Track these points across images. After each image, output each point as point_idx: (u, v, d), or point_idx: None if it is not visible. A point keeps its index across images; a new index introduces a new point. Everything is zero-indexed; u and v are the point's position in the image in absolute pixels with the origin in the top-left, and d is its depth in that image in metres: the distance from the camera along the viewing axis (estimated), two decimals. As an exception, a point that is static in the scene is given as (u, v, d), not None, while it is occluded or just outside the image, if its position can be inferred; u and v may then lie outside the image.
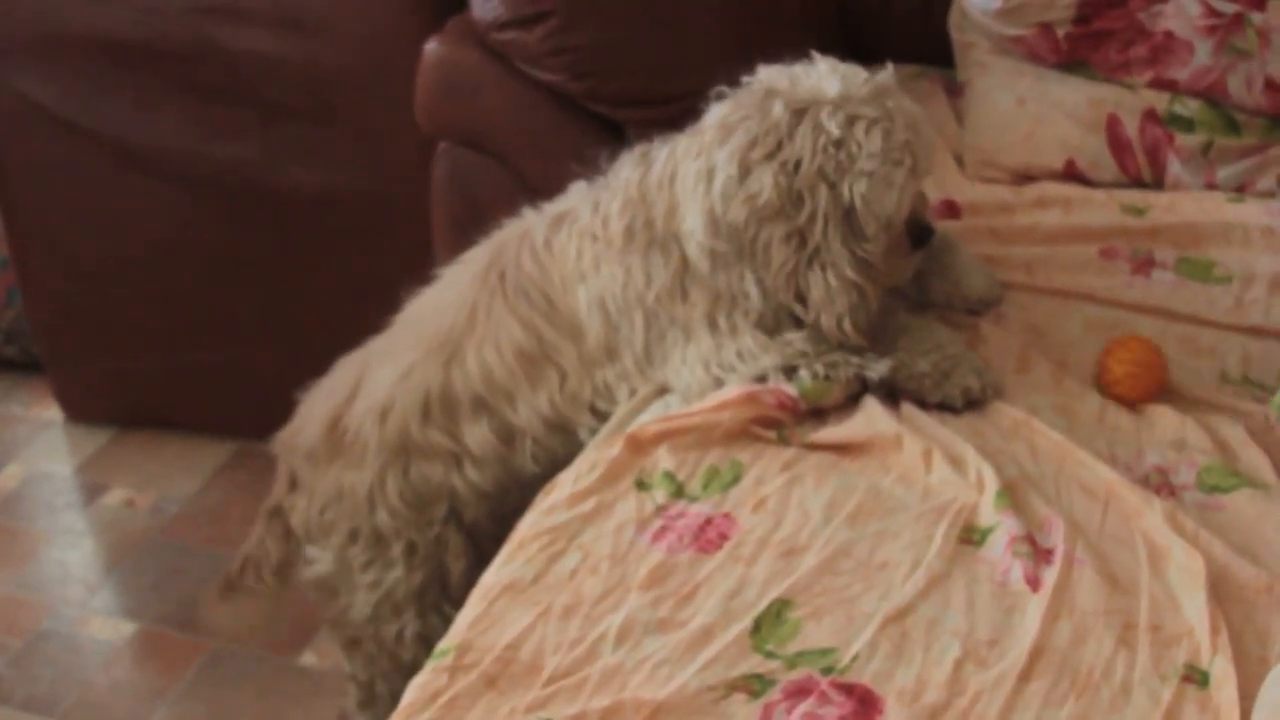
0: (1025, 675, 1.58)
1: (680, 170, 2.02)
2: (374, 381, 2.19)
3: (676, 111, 2.40)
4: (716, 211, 1.96)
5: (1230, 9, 2.45)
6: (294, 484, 2.29)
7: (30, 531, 3.09)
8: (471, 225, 2.58)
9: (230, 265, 3.03)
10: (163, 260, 3.06)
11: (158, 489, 3.16)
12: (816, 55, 2.02)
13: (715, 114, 2.02)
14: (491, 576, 1.78)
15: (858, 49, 2.83)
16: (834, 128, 1.92)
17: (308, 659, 2.74)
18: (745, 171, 1.94)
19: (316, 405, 2.26)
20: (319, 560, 2.30)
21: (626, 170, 2.09)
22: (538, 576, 1.76)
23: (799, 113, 1.94)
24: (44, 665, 2.77)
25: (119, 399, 3.30)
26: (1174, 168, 2.51)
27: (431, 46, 2.52)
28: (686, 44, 2.47)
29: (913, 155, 1.96)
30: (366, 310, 2.96)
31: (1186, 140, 2.50)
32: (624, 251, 2.04)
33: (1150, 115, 2.50)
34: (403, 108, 2.58)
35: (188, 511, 3.09)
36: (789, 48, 2.62)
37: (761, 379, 1.98)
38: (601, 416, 2.08)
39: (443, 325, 2.15)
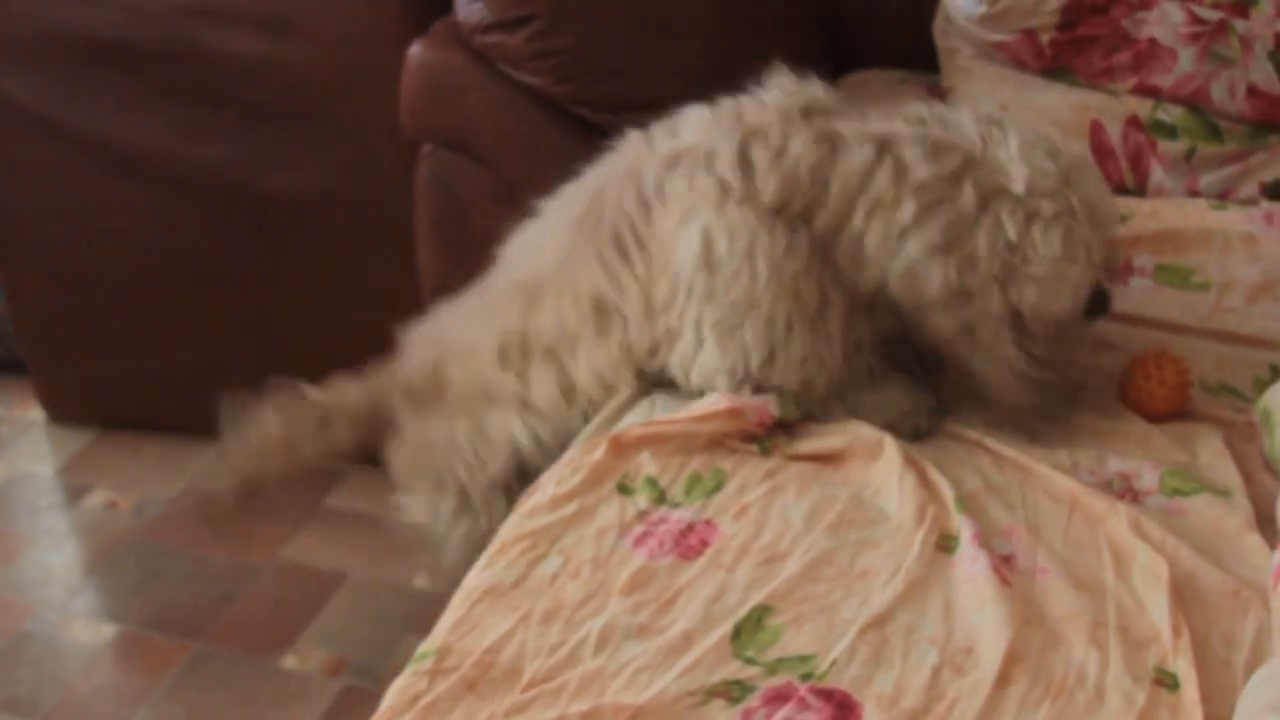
0: (1001, 681, 1.59)
1: (863, 211, 1.92)
2: (464, 326, 2.17)
3: (659, 116, 2.41)
4: (892, 284, 1.92)
5: (1214, 16, 2.46)
6: (388, 423, 2.26)
7: (11, 533, 3.08)
8: (454, 227, 2.59)
9: (213, 267, 3.03)
10: (145, 262, 3.06)
11: (140, 491, 3.15)
12: (1005, 121, 1.96)
13: (915, 155, 1.91)
14: (473, 580, 1.78)
15: (842, 54, 2.85)
16: (1012, 230, 1.88)
17: (289, 662, 2.74)
18: (924, 255, 1.89)
19: (416, 347, 2.23)
20: (412, 507, 2.27)
21: (799, 143, 1.95)
22: (519, 580, 1.76)
23: (984, 204, 1.89)
24: (24, 667, 2.76)
25: (102, 400, 3.29)
26: (1157, 174, 2.52)
27: (416, 50, 2.52)
28: (669, 48, 2.47)
29: (1088, 249, 1.91)
30: (349, 312, 2.97)
31: (1169, 147, 2.51)
32: (770, 215, 1.93)
33: (1133, 122, 2.51)
34: (386, 110, 2.58)
35: (170, 513, 3.09)
36: (773, 52, 2.63)
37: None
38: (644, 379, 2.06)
39: (532, 272, 2.11)
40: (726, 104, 2.05)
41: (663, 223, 1.99)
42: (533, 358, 2.10)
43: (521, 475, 2.14)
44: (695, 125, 2.04)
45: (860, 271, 1.94)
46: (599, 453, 1.92)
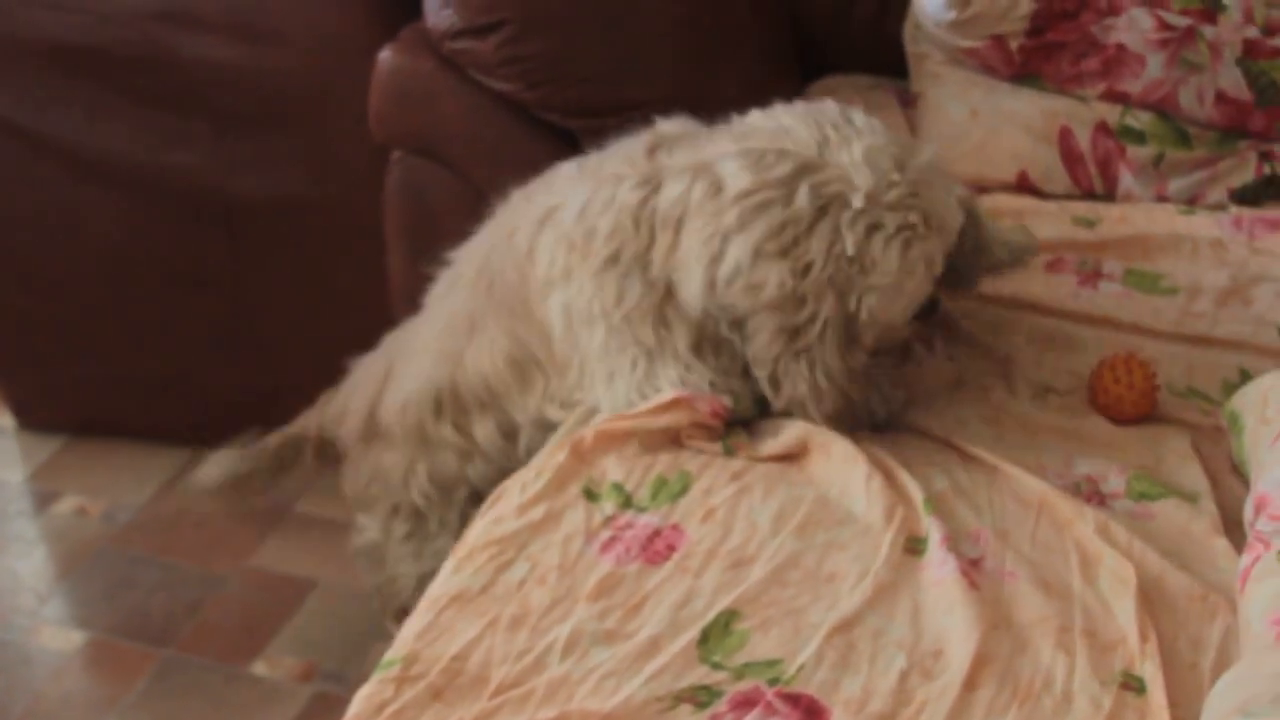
0: (969, 685, 1.59)
1: (688, 227, 1.92)
2: (399, 375, 2.22)
3: (629, 120, 2.41)
4: (718, 289, 1.90)
5: (1182, 22, 2.47)
6: (343, 454, 2.34)
7: (-20, 540, 3.07)
8: (425, 233, 2.58)
9: (182, 273, 3.02)
10: (115, 268, 3.05)
11: (109, 497, 3.14)
12: (856, 121, 1.93)
13: (734, 168, 1.89)
14: (439, 587, 1.77)
15: (812, 60, 2.86)
16: (850, 242, 1.84)
17: (259, 668, 2.73)
18: (755, 259, 1.87)
19: (358, 390, 2.29)
20: (368, 529, 2.34)
21: (625, 189, 1.97)
22: (485, 587, 1.75)
23: (822, 209, 1.85)
24: (-7, 675, 2.75)
25: (71, 406, 3.28)
26: (1126, 180, 2.52)
27: (385, 55, 2.51)
28: (639, 54, 2.47)
29: (928, 262, 1.90)
30: (319, 318, 2.96)
31: (1138, 152, 2.52)
32: (601, 271, 1.97)
33: (1102, 127, 2.52)
34: (356, 116, 2.57)
35: (139, 520, 3.08)
36: (742, 58, 2.63)
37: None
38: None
39: (448, 330, 2.16)
40: (594, 156, 2.10)
41: (534, 287, 2.05)
42: (470, 410, 2.15)
43: (478, 501, 2.17)
44: (563, 181, 2.10)
45: (688, 290, 1.93)
46: (561, 456, 1.91)
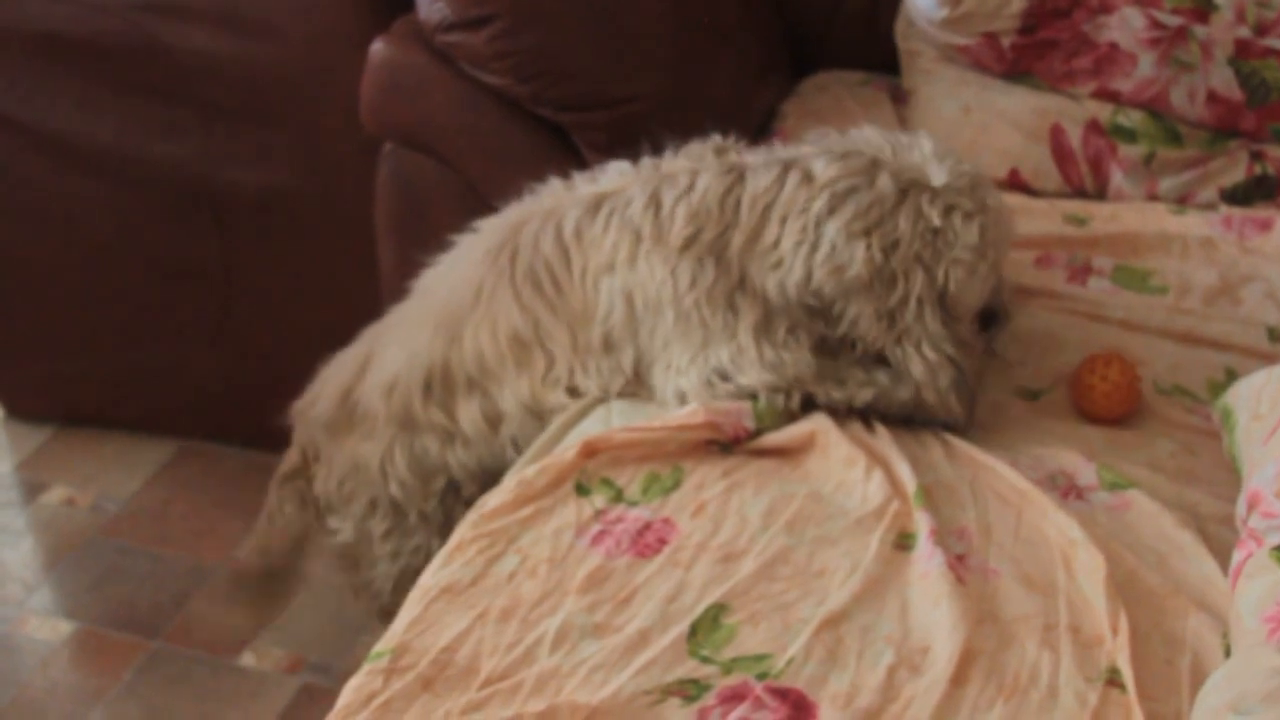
0: (956, 680, 1.59)
1: (777, 215, 2.00)
2: (383, 357, 2.21)
3: (620, 115, 2.41)
4: (814, 277, 1.97)
5: (1174, 21, 2.47)
6: (315, 455, 2.31)
7: (-32, 530, 3.07)
8: (415, 226, 2.58)
9: (171, 264, 3.01)
10: (104, 259, 3.04)
11: (98, 488, 3.14)
12: (921, 137, 2.05)
13: (822, 163, 2.00)
14: (429, 579, 1.78)
15: (803, 55, 2.86)
16: (935, 216, 1.95)
17: (247, 660, 2.73)
18: (846, 239, 1.96)
19: (331, 378, 2.27)
20: (341, 530, 2.32)
21: (707, 178, 2.04)
22: (476, 579, 1.76)
23: (903, 192, 1.97)
24: (-20, 665, 2.75)
25: (60, 397, 3.28)
26: (1116, 178, 2.53)
27: (377, 47, 2.51)
28: (630, 49, 2.47)
29: (996, 251, 2.00)
30: (308, 309, 2.96)
31: (1129, 151, 2.52)
32: (676, 255, 2.02)
33: (1094, 126, 2.52)
34: (346, 108, 2.56)
35: (128, 510, 3.07)
36: (733, 53, 2.64)
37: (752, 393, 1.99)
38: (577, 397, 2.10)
39: (449, 303, 2.15)
40: (647, 160, 2.15)
41: (579, 269, 2.07)
42: (457, 390, 2.15)
43: (455, 493, 2.18)
44: (615, 173, 2.14)
45: (782, 279, 1.99)
46: (569, 455, 1.91)
